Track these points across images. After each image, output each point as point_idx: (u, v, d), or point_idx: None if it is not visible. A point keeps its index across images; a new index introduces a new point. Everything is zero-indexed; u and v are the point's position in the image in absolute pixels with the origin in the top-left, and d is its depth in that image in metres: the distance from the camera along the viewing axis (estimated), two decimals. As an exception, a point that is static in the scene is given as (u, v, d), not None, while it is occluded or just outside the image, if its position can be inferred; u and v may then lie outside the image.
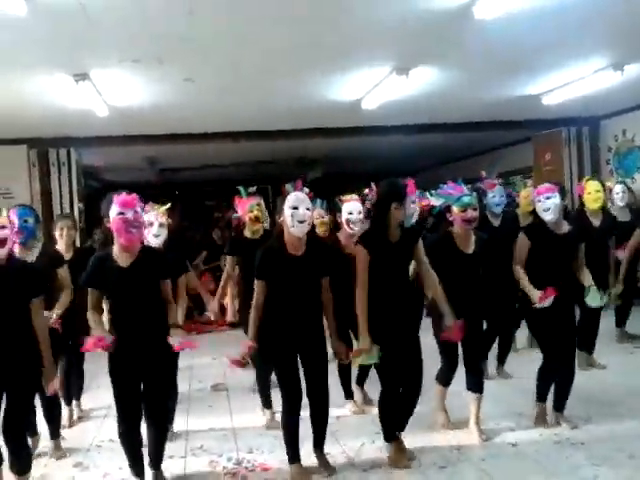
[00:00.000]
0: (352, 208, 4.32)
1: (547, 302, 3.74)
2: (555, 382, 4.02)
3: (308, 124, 7.86)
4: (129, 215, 3.09)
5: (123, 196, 3.16)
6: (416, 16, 4.10)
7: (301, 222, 3.28)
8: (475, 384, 3.89)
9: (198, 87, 5.64)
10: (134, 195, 3.20)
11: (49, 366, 3.20)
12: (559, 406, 4.04)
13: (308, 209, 3.34)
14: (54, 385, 3.29)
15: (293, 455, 3.49)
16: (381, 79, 5.64)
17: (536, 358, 4.11)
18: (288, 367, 3.43)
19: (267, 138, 8.31)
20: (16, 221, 3.78)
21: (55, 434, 4.02)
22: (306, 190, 3.45)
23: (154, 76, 5.20)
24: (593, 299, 3.96)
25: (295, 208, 3.29)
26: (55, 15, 3.69)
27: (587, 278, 3.97)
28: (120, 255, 3.18)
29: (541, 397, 4.06)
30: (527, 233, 3.96)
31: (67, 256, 4.34)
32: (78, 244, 7.70)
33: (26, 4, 3.41)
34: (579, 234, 4.03)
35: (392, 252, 3.42)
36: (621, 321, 6.10)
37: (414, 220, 4.53)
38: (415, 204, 3.55)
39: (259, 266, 3.39)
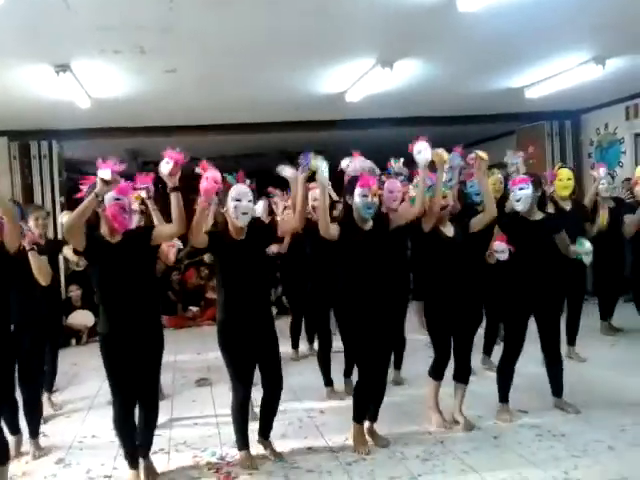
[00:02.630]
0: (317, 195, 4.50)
1: (500, 251, 3.83)
2: (546, 369, 4.13)
3: (292, 117, 7.83)
4: (124, 201, 3.21)
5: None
6: (400, 9, 4.09)
7: (244, 214, 3.43)
8: (462, 374, 3.96)
9: (180, 79, 5.59)
10: (129, 182, 3.31)
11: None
12: (556, 391, 4.14)
13: (250, 201, 3.47)
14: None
15: (243, 442, 3.62)
16: (365, 72, 5.63)
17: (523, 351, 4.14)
18: (238, 356, 3.52)
19: (251, 131, 8.26)
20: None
21: (35, 433, 3.98)
22: (248, 182, 3.54)
23: (136, 67, 5.15)
24: (581, 245, 4.00)
25: (238, 200, 3.42)
26: (34, 4, 3.63)
27: (571, 247, 4.05)
28: (108, 239, 3.25)
29: (503, 398, 4.08)
30: (501, 226, 4.02)
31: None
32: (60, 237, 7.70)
33: (3, -6, 3.35)
34: (554, 221, 4.09)
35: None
36: (606, 314, 6.18)
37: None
38: (368, 197, 3.61)
39: (211, 231, 3.53)
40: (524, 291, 3.94)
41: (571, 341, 5.37)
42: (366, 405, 3.77)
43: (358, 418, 3.78)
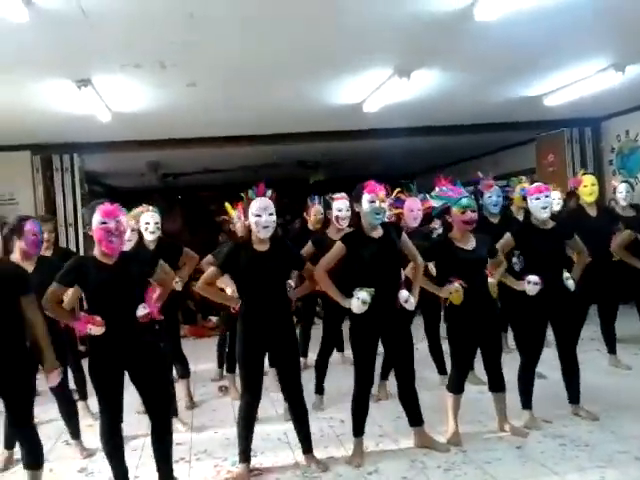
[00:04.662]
0: (342, 205, 4.63)
1: (532, 287, 3.86)
2: (562, 376, 4.10)
3: (310, 127, 7.86)
4: (111, 225, 3.14)
5: (106, 206, 3.18)
6: (417, 19, 4.11)
7: (265, 227, 3.45)
8: (498, 384, 3.92)
9: (201, 92, 5.65)
10: (116, 205, 3.23)
11: (50, 358, 3.16)
12: (573, 398, 4.10)
13: (272, 214, 3.48)
14: (55, 377, 3.22)
15: (244, 453, 3.56)
16: (382, 82, 5.65)
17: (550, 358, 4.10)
18: (252, 366, 3.52)
19: (269, 142, 8.31)
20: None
21: (77, 435, 4.10)
22: (269, 193, 3.56)
23: (156, 81, 5.22)
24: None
25: (258, 216, 3.45)
26: (56, 21, 3.70)
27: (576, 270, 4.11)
28: (102, 260, 3.21)
29: (526, 404, 4.06)
30: (514, 235, 4.04)
31: (46, 254, 4.51)
32: (82, 252, 7.80)
33: (27, 11, 3.42)
34: (565, 228, 4.12)
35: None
36: None
37: (416, 222, 4.58)
38: (376, 203, 3.60)
39: (224, 258, 3.55)
40: (538, 296, 3.89)
41: (611, 350, 5.32)
42: (362, 418, 3.72)
43: (355, 431, 3.75)
